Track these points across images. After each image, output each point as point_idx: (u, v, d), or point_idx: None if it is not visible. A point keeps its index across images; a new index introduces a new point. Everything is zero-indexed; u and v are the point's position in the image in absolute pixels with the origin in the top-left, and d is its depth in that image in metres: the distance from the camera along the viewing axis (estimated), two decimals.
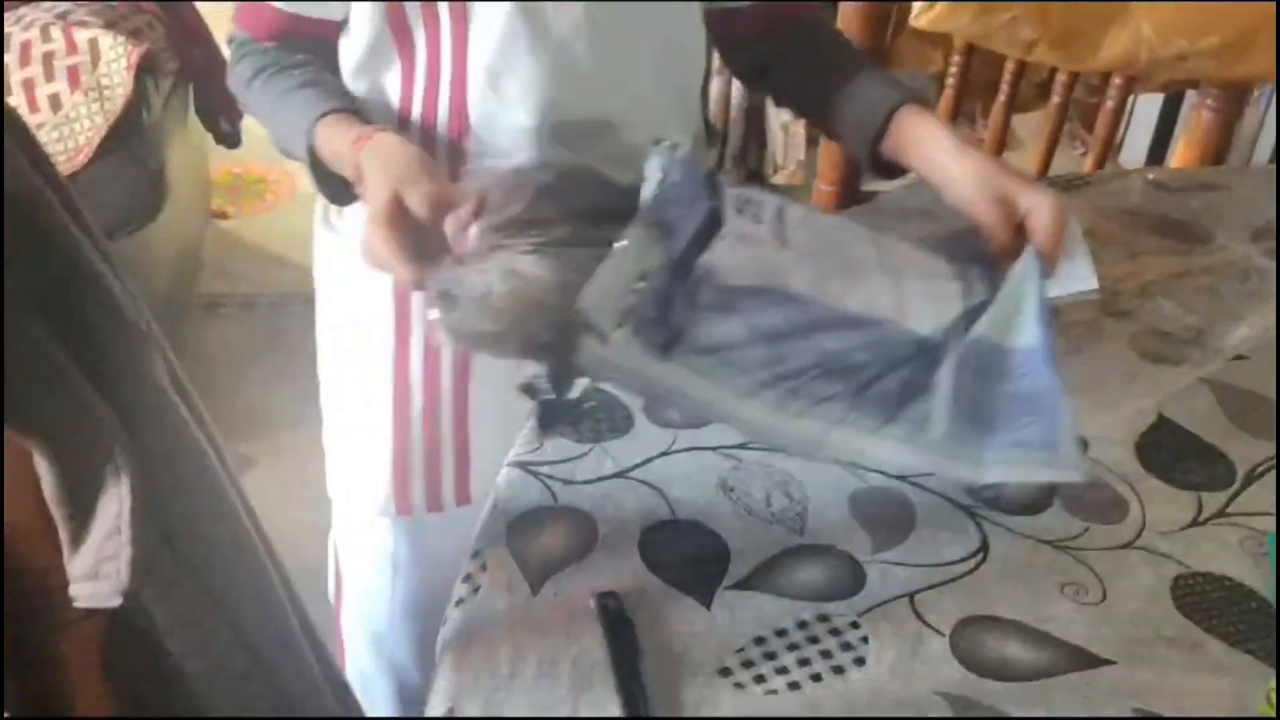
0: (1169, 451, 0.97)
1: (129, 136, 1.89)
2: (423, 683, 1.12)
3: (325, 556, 1.19)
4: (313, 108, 0.93)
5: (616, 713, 0.74)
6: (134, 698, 0.85)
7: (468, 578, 0.84)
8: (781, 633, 0.80)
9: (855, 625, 0.81)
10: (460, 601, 0.83)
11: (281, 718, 0.87)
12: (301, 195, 2.95)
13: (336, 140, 0.91)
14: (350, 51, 0.97)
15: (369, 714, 1.15)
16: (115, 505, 0.66)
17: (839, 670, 0.78)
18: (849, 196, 1.64)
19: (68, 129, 1.86)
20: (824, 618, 0.82)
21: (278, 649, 0.84)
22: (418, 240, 0.82)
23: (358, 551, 1.09)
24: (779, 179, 2.90)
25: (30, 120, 1.83)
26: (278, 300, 2.59)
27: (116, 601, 0.66)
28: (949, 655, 0.79)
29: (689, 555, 0.86)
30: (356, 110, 0.95)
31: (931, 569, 0.86)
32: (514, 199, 0.87)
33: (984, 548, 0.88)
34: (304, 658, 0.88)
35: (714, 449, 0.96)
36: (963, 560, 0.87)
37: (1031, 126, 2.76)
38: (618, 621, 0.80)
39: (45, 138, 1.82)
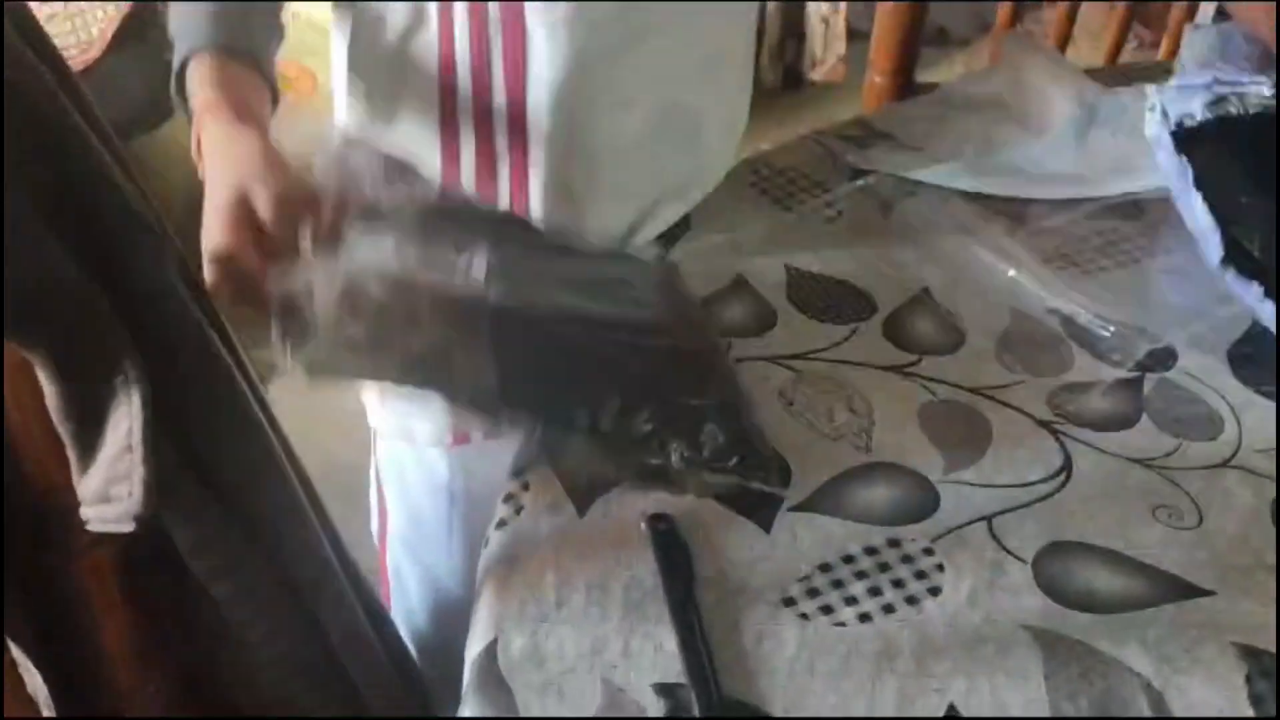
0: (1263, 362, 0.89)
1: (145, 27, 1.80)
2: None
3: (360, 478, 1.13)
4: (195, 33, 0.81)
5: (671, 644, 0.69)
6: (160, 627, 0.80)
7: (509, 498, 0.78)
8: (849, 559, 0.74)
9: (929, 551, 0.75)
10: (502, 524, 0.77)
11: (315, 643, 0.82)
12: (324, 91, 2.85)
13: (196, 86, 0.80)
14: None
15: (422, 651, 1.10)
16: (125, 421, 0.60)
17: (912, 601, 0.72)
18: (905, 88, 1.54)
19: (80, 20, 1.77)
20: (895, 543, 0.75)
21: (310, 575, 0.79)
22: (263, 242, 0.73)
23: (408, 484, 1.03)
24: (818, 74, 2.78)
25: (40, 11, 1.75)
26: None
27: (129, 527, 0.61)
28: (1032, 584, 0.73)
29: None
30: (252, 54, 0.82)
31: (1010, 490, 0.79)
32: (371, 184, 0.79)
33: (1067, 467, 0.81)
34: (339, 585, 0.82)
35: (770, 359, 0.89)
36: (1044, 480, 0.80)
37: (1090, 25, 2.63)
38: (671, 546, 0.74)
39: (56, 30, 1.74)
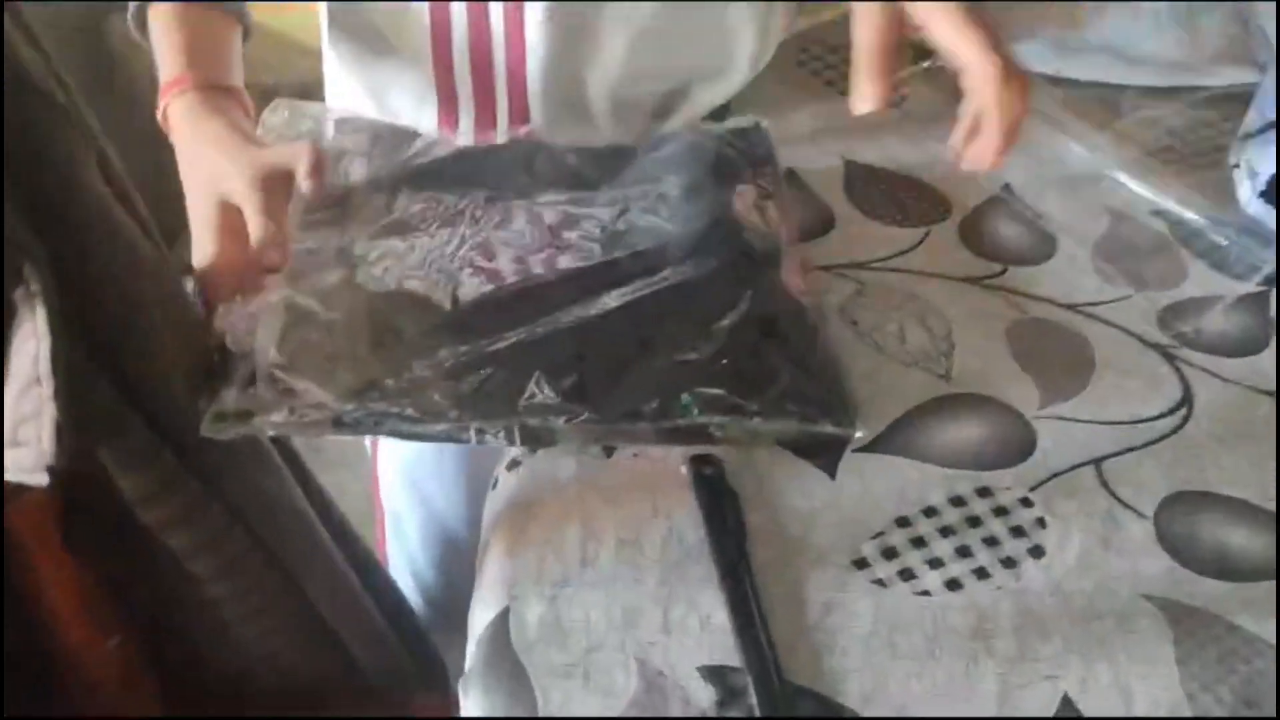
0: None
1: None
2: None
3: None
4: None
5: (720, 615, 0.57)
6: (112, 578, 0.68)
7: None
8: (931, 512, 0.62)
9: (1027, 503, 0.62)
10: (514, 464, 0.64)
11: (291, 598, 0.70)
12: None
13: (161, 49, 0.75)
14: None
15: (428, 600, 0.99)
16: (31, 343, 0.46)
17: (1010, 563, 0.60)
18: None
19: None
20: (985, 491, 0.63)
21: (281, 527, 0.67)
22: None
23: None
24: None
25: None
26: (301, 89, 2.36)
27: (42, 479, 0.48)
28: (1153, 543, 0.61)
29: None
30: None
31: (1121, 428, 0.66)
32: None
33: (1187, 399, 0.68)
34: (316, 537, 0.70)
35: (826, 268, 0.75)
36: (1162, 416, 0.67)
37: None
38: (718, 493, 0.61)
39: None
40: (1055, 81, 0.91)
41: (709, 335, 0.64)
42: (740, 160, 0.78)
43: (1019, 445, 0.65)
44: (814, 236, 0.78)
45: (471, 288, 0.68)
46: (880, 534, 0.61)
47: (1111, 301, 0.74)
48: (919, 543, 0.60)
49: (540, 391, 0.61)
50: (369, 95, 0.85)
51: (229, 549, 0.63)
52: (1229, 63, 0.91)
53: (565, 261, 0.70)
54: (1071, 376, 0.69)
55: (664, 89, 0.84)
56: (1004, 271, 0.76)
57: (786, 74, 0.92)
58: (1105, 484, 0.63)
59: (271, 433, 0.62)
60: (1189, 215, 0.79)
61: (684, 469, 0.62)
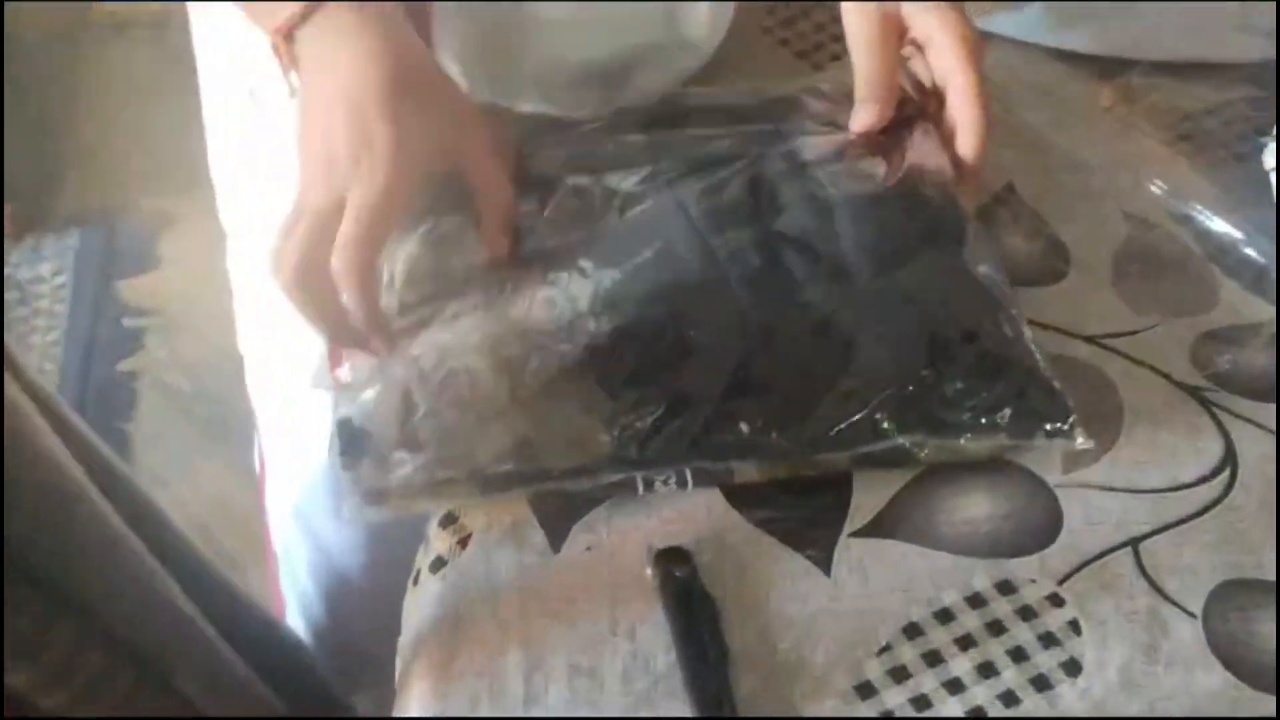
0: None
1: None
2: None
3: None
4: None
5: None
6: None
7: (446, 520, 0.54)
8: (945, 615, 0.51)
9: (1057, 600, 0.52)
10: (439, 563, 0.52)
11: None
12: None
13: None
14: None
15: (319, 639, 0.88)
16: None
17: (1042, 684, 0.49)
18: None
19: None
20: (1007, 586, 0.53)
21: (149, 631, 0.55)
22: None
23: (288, 427, 0.78)
24: None
25: None
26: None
27: None
28: (1204, 650, 0.51)
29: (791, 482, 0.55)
30: None
31: (1159, 498, 0.56)
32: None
33: (1230, 459, 0.58)
34: (193, 632, 0.58)
35: None
36: (1202, 481, 0.57)
37: None
38: (692, 601, 0.50)
39: None
40: (1056, 55, 0.79)
41: (901, 344, 0.55)
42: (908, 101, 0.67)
43: (1042, 523, 0.55)
44: None
45: (608, 308, 0.57)
46: (887, 648, 0.50)
47: (1136, 332, 0.63)
48: (933, 659, 0.50)
49: (718, 429, 0.53)
50: None
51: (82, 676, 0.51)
52: (1250, 34, 0.80)
53: (709, 267, 0.58)
54: (1098, 430, 0.58)
55: (609, 60, 0.71)
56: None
57: (752, 43, 0.79)
58: (1145, 572, 0.53)
59: (425, 510, 0.54)
60: (1217, 224, 0.69)
61: (649, 570, 0.51)
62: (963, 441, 0.54)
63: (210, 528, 1.57)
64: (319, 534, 0.82)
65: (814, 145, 0.64)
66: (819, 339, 0.56)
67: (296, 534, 0.83)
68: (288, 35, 0.54)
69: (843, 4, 0.65)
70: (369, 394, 0.55)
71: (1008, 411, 0.54)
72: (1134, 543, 0.54)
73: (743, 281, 0.57)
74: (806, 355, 0.55)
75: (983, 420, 0.54)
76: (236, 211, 0.76)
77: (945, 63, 0.63)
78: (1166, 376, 0.61)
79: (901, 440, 0.54)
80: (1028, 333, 0.57)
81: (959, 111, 0.63)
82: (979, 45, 0.63)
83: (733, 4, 0.73)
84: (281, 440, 0.81)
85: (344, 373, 0.57)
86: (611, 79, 0.70)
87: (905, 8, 0.64)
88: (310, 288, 0.52)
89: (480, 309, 0.57)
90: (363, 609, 0.85)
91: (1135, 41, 0.80)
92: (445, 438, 0.53)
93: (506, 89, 0.67)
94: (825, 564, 0.53)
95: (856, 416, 0.53)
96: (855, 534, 0.54)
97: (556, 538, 0.53)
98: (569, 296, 0.57)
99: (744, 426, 0.53)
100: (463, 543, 0.53)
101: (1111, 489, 0.56)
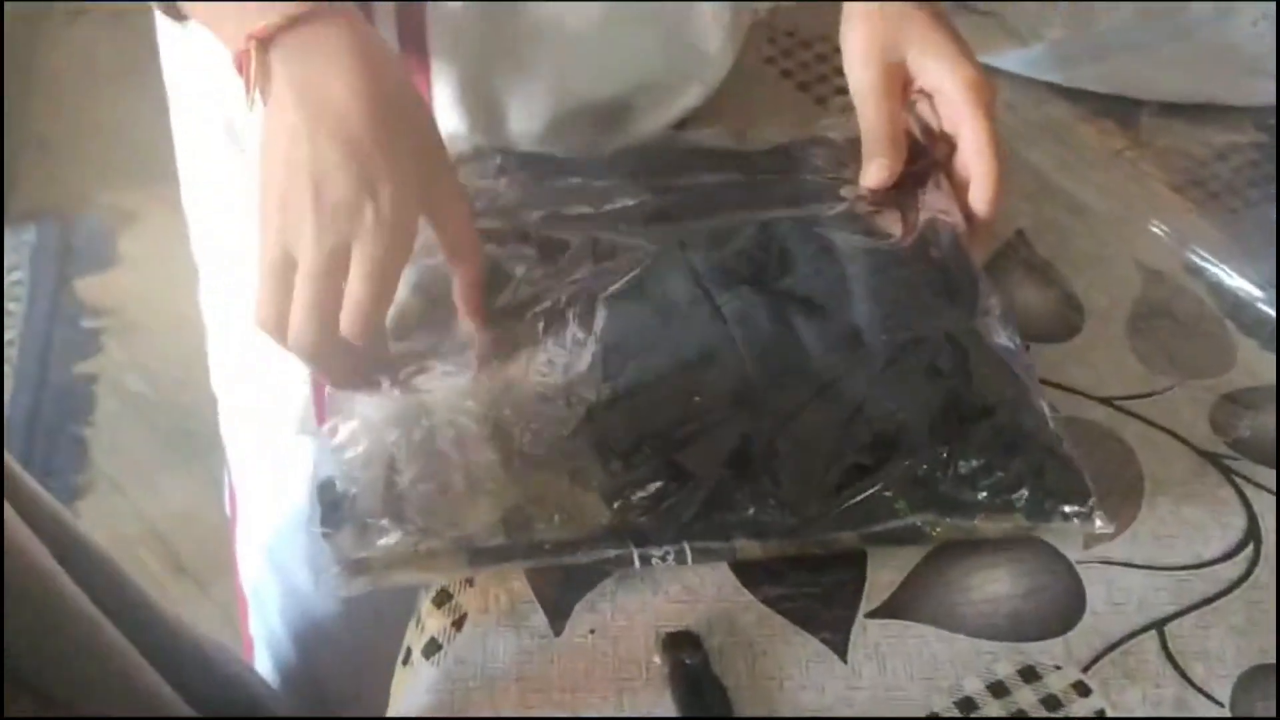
0: None
1: None
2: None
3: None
4: None
5: None
6: None
7: (441, 598, 0.51)
8: (968, 704, 0.49)
9: (1082, 689, 0.50)
10: (434, 647, 0.49)
11: None
12: None
13: None
14: None
15: (285, 678, 0.84)
16: None
17: None
18: None
19: None
20: (1030, 674, 0.50)
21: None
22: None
23: (266, 475, 0.75)
24: None
25: None
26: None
27: None
28: None
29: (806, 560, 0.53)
30: None
31: (1182, 576, 0.54)
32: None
33: (1253, 533, 0.56)
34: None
35: None
36: (1225, 558, 0.55)
37: None
38: (703, 690, 0.48)
39: None
40: (1064, 94, 0.77)
41: (914, 417, 0.52)
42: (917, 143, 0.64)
43: (1064, 603, 0.53)
44: None
45: (608, 370, 0.54)
46: None
47: (1153, 394, 0.61)
48: None
49: (721, 505, 0.50)
50: None
51: None
52: (1268, 77, 0.78)
53: (715, 328, 0.55)
54: (1118, 502, 0.56)
55: (610, 100, 0.67)
56: (1026, 350, 0.62)
57: (754, 75, 0.76)
58: (1171, 657, 0.51)
59: (409, 583, 0.50)
60: (1231, 279, 0.67)
61: (657, 658, 0.48)
62: (977, 522, 0.52)
63: (170, 540, 1.53)
64: (291, 575, 0.79)
65: (824, 199, 0.61)
66: (827, 409, 0.53)
67: (268, 575, 0.80)
68: (265, 41, 0.48)
69: (845, 56, 0.63)
70: (352, 454, 0.52)
71: (1024, 492, 0.51)
72: (1159, 625, 0.52)
73: (750, 345, 0.54)
74: (814, 427, 0.52)
75: (998, 500, 0.51)
76: (210, 248, 0.72)
77: (955, 113, 0.61)
78: (1186, 443, 0.59)
79: (913, 520, 0.51)
80: (1045, 405, 0.54)
81: (971, 164, 0.61)
82: (990, 92, 0.61)
83: (738, 38, 0.69)
84: (254, 481, 0.77)
85: (329, 429, 0.54)
86: (611, 118, 0.67)
87: (910, 56, 0.61)
88: (320, 348, 0.49)
89: (472, 367, 0.54)
90: (334, 651, 0.82)
91: (1145, 82, 0.78)
92: (431, 506, 0.49)
93: (503, 129, 0.64)
94: (841, 648, 0.50)
95: (866, 494, 0.51)
96: (872, 614, 0.51)
97: (558, 619, 0.50)
98: (567, 356, 0.54)
99: (749, 505, 0.50)
100: (458, 624, 0.49)
101: (1134, 566, 0.54)
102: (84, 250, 1.82)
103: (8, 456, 0.60)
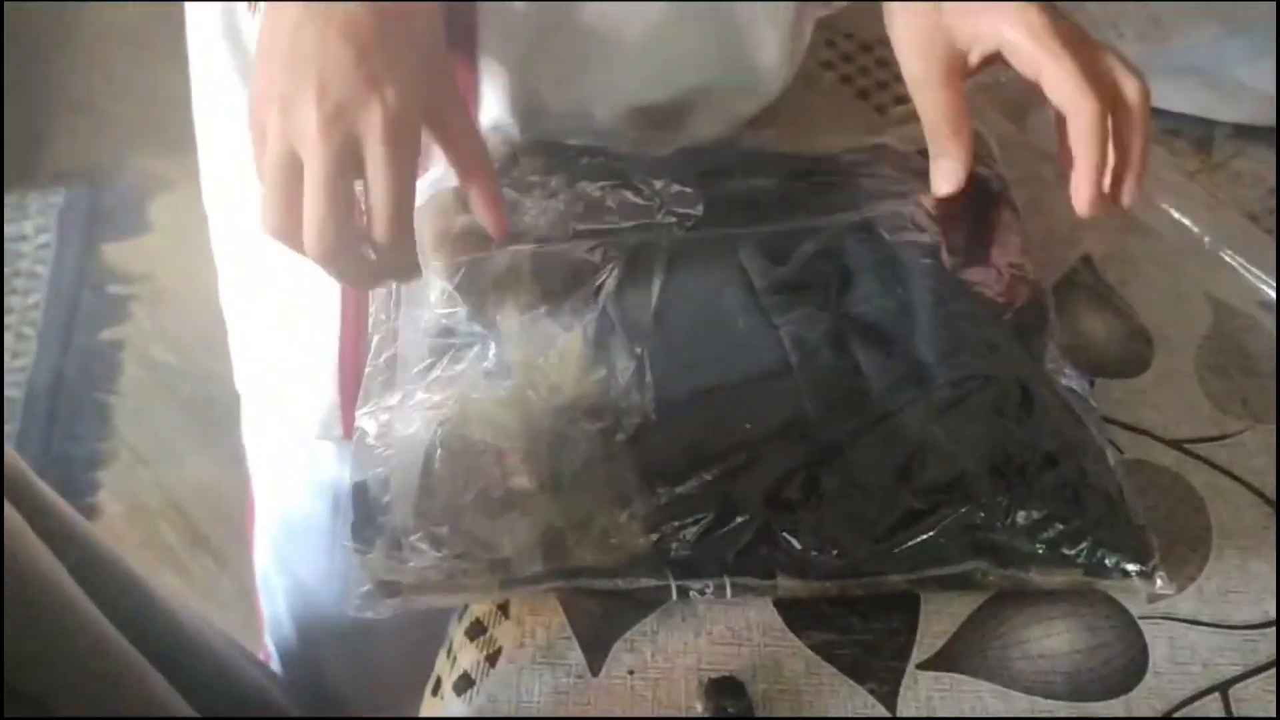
0: None
1: None
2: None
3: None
4: None
5: None
6: None
7: (475, 629, 0.48)
8: None
9: None
10: (466, 682, 0.47)
11: None
12: None
13: None
14: None
15: (288, 664, 0.83)
16: None
17: None
18: None
19: None
20: None
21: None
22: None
23: (283, 480, 0.73)
24: None
25: None
26: None
27: None
28: None
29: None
30: None
31: (1247, 635, 0.52)
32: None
33: None
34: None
35: None
36: None
37: None
38: None
39: None
40: None
41: (974, 461, 0.49)
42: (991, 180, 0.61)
43: (1126, 662, 0.50)
44: None
45: (657, 385, 0.51)
46: None
47: (1224, 437, 0.59)
48: None
49: (767, 541, 0.48)
50: None
51: None
52: None
53: (771, 350, 0.52)
54: (1185, 553, 0.54)
55: (667, 102, 0.65)
56: (1091, 385, 0.60)
57: (811, 80, 0.73)
58: None
59: (439, 604, 0.48)
60: None
61: (700, 707, 0.46)
62: (1033, 574, 0.49)
63: (190, 512, 1.51)
64: (292, 563, 0.77)
65: (889, 216, 0.58)
66: (884, 447, 0.50)
67: (272, 559, 0.78)
68: None
69: (897, 53, 0.59)
70: (386, 460, 0.49)
71: (1084, 546, 0.49)
72: (1223, 688, 0.50)
73: (806, 372, 0.52)
74: (869, 465, 0.49)
75: (1057, 554, 0.49)
76: (230, 244, 0.70)
77: (1026, 62, 0.54)
78: (1258, 492, 0.57)
79: (966, 567, 0.49)
80: (1111, 454, 0.52)
81: (1064, 114, 0.54)
82: (1054, 23, 0.53)
83: (799, 50, 0.66)
84: (272, 478, 0.75)
85: (361, 426, 0.52)
86: (663, 124, 0.64)
87: (958, 29, 0.55)
88: (340, 251, 0.46)
89: (517, 369, 0.52)
90: (338, 645, 0.81)
91: (1220, 102, 0.75)
92: (467, 526, 0.47)
93: (549, 131, 0.61)
94: (891, 701, 0.48)
95: (919, 539, 0.48)
96: (923, 665, 0.49)
97: (596, 657, 0.48)
98: (614, 366, 0.52)
99: (795, 542, 0.48)
100: (491, 659, 0.47)
101: (1199, 623, 0.52)
102: (113, 215, 1.80)
103: (20, 461, 0.58)
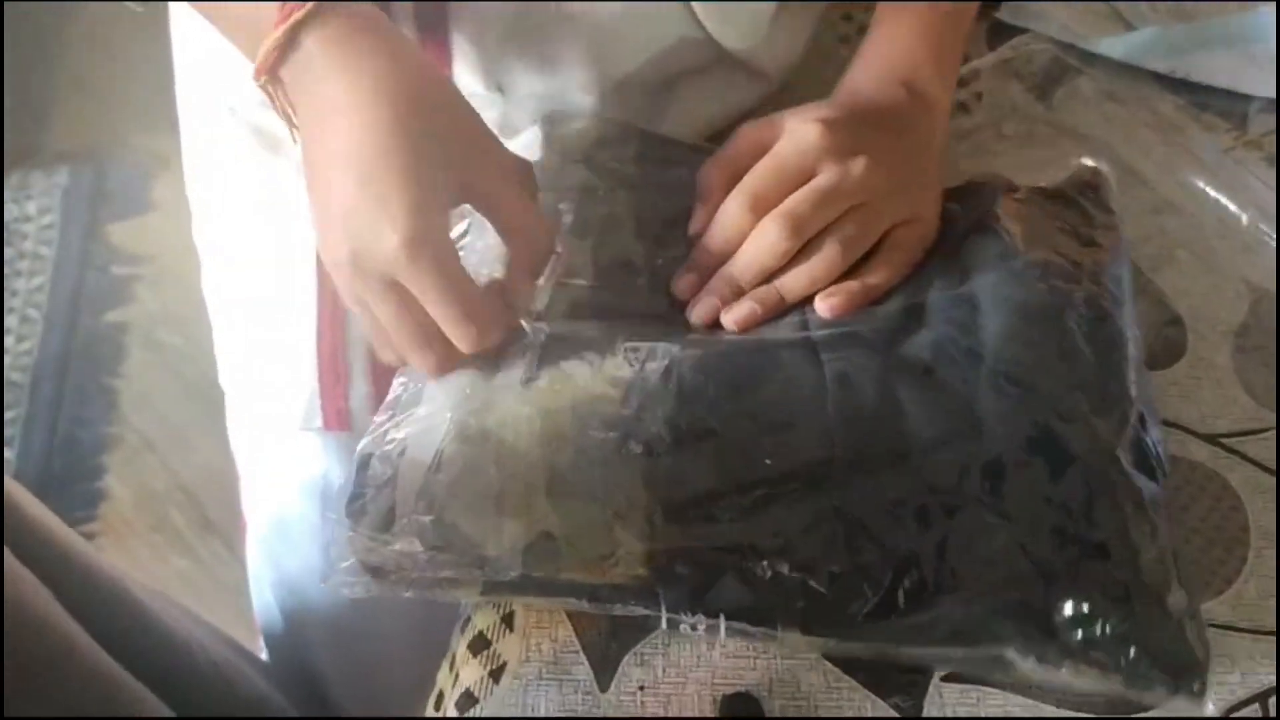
0: None
1: None
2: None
3: None
4: None
5: None
6: None
7: (478, 643, 0.46)
8: None
9: None
10: (469, 699, 0.45)
11: None
12: None
13: None
14: None
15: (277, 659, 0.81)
16: None
17: None
18: None
19: None
20: None
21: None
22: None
23: (269, 475, 0.71)
24: None
25: None
26: None
27: None
28: None
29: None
30: None
31: None
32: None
33: None
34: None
35: None
36: None
37: None
38: None
39: None
40: (1166, 84, 0.70)
41: (1016, 538, 0.44)
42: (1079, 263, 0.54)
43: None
44: None
45: (680, 400, 0.48)
46: None
47: (1261, 431, 0.56)
48: None
49: (772, 593, 0.44)
50: None
51: None
52: None
53: (808, 384, 0.48)
54: (1222, 555, 0.51)
55: (644, 85, 0.62)
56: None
57: (827, 57, 0.70)
58: None
59: (408, 594, 0.46)
60: None
61: None
62: (1064, 671, 0.44)
63: (198, 496, 1.50)
64: (286, 567, 0.75)
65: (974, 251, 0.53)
66: (917, 507, 0.45)
67: (265, 564, 0.77)
68: (272, 75, 0.46)
69: None
70: (396, 438, 0.47)
71: (1125, 652, 0.43)
72: (1262, 698, 0.47)
73: (843, 411, 0.47)
74: (895, 522, 0.45)
75: (1093, 654, 0.43)
76: (211, 236, 0.68)
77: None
78: None
79: (989, 650, 0.44)
80: (1169, 547, 0.46)
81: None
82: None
83: (800, 30, 0.64)
84: (258, 476, 0.73)
85: (396, 386, 0.51)
86: (652, 108, 0.61)
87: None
88: (445, 359, 0.49)
89: (545, 368, 0.49)
90: (317, 635, 0.79)
91: (1251, 75, 0.71)
92: (452, 517, 0.44)
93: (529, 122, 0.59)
94: (914, 715, 0.45)
95: (937, 614, 0.44)
96: (947, 678, 0.47)
97: (604, 672, 0.45)
98: (637, 378, 0.48)
99: (800, 598, 0.44)
100: (495, 675, 0.45)
101: (1236, 629, 0.49)
102: (117, 195, 1.78)
103: (19, 489, 0.56)
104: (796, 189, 0.51)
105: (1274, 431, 0.56)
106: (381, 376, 0.63)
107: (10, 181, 1.74)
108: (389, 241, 0.44)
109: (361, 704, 0.79)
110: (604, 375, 0.48)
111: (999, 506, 0.45)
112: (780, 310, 0.52)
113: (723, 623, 0.44)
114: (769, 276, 0.52)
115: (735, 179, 0.52)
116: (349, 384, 0.63)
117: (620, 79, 0.60)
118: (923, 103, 0.56)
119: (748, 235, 0.51)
